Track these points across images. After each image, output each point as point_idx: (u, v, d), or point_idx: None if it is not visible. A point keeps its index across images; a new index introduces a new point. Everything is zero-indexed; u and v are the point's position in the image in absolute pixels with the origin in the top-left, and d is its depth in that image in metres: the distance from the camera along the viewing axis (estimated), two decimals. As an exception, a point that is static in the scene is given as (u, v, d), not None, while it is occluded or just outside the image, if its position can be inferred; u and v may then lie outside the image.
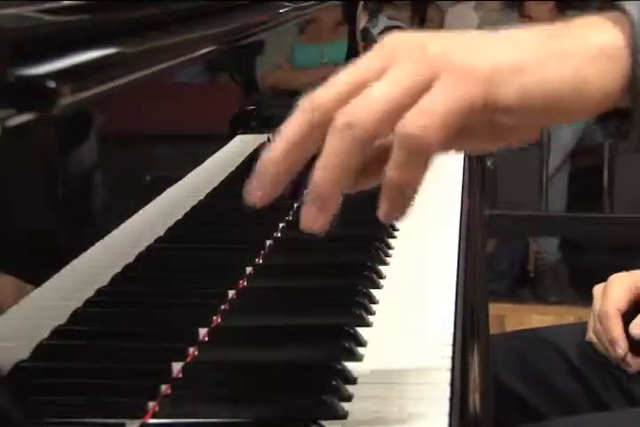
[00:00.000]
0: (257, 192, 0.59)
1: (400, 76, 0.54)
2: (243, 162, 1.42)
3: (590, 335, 1.15)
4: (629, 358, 1.08)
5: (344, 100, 0.54)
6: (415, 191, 0.55)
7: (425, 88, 0.53)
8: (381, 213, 0.57)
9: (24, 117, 0.59)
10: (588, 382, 1.16)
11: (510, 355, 1.19)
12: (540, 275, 3.43)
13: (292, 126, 0.56)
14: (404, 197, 0.55)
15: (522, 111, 0.55)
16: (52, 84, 0.62)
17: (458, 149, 0.59)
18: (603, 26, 0.57)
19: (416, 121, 0.52)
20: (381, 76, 0.54)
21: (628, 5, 0.57)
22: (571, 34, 0.57)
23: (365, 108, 0.53)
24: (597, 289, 1.15)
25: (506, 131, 0.57)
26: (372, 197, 1.10)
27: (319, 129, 0.55)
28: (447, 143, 0.54)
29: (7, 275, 0.80)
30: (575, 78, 0.55)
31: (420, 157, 0.53)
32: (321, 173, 0.56)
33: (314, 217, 0.59)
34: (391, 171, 0.54)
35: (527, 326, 2.62)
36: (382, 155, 0.55)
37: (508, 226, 3.22)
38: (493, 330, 1.44)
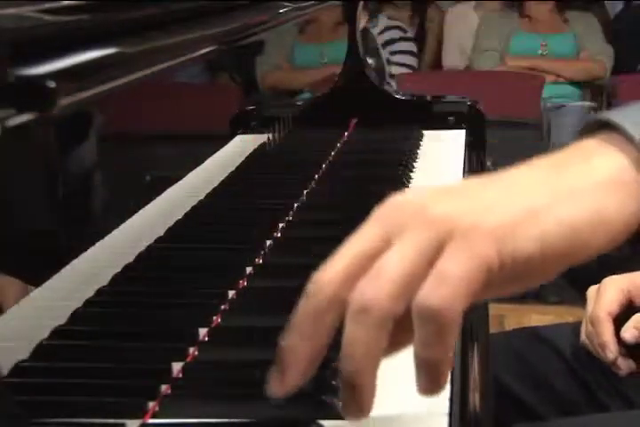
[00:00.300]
0: (283, 384, 0.54)
1: (407, 246, 0.50)
2: (243, 162, 1.42)
3: (583, 338, 1.15)
4: (620, 361, 1.08)
5: (351, 277, 0.51)
6: (450, 362, 0.51)
7: (435, 254, 0.50)
8: (420, 388, 0.52)
9: (24, 117, 0.59)
10: (586, 382, 1.16)
11: (510, 355, 1.19)
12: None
13: (301, 316, 0.53)
14: (439, 370, 0.50)
15: (543, 258, 0.52)
16: (51, 84, 0.62)
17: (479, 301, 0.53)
18: (603, 151, 0.55)
19: (435, 293, 0.49)
20: (386, 246, 0.51)
21: (623, 123, 0.55)
22: (573, 166, 0.54)
23: (378, 288, 0.50)
24: (591, 291, 1.15)
25: (528, 276, 0.53)
26: (373, 197, 1.10)
27: (330, 313, 0.52)
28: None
29: (7, 275, 0.80)
30: (591, 214, 0.53)
31: (446, 329, 0.49)
32: (348, 364, 0.52)
33: (355, 408, 0.53)
34: (420, 349, 0.50)
35: (527, 325, 2.62)
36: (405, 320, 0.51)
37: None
38: (493, 330, 1.44)
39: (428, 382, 0.51)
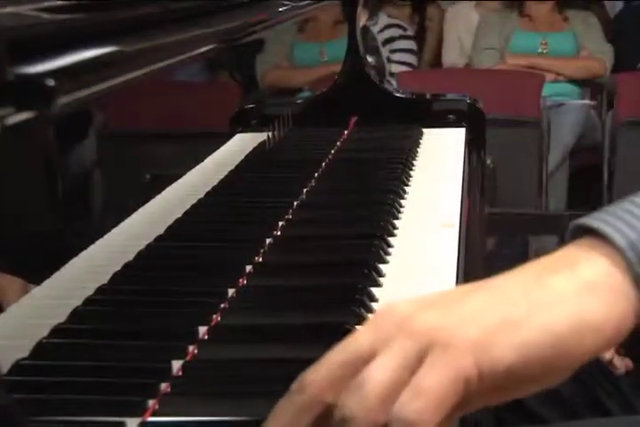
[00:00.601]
0: None
1: (389, 357, 0.51)
2: (242, 160, 1.42)
3: None
4: (616, 360, 1.08)
5: (336, 383, 0.52)
6: None
7: (417, 365, 0.51)
8: None
9: (23, 116, 0.59)
10: (587, 384, 1.16)
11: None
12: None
13: (281, 411, 0.53)
14: None
15: (526, 366, 0.51)
16: (51, 83, 0.62)
17: (463, 414, 0.53)
18: (589, 257, 0.55)
19: (409, 405, 0.49)
20: (373, 355, 0.52)
21: (607, 231, 0.55)
22: (558, 272, 0.54)
23: (360, 402, 0.50)
24: None
25: (514, 387, 0.52)
26: (373, 196, 1.10)
27: (309, 413, 0.52)
28: (449, 415, 0.50)
29: (8, 273, 0.80)
30: (574, 319, 0.52)
31: None
32: None
33: None
34: None
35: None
36: None
37: (508, 224, 3.22)
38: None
39: None
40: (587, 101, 3.74)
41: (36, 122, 0.63)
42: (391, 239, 1.01)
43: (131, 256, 0.96)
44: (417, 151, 1.46)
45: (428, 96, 1.72)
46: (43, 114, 0.61)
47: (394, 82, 3.42)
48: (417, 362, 0.51)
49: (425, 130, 1.61)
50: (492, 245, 3.34)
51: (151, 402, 0.63)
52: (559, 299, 0.53)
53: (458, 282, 0.88)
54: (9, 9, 0.67)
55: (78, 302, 0.82)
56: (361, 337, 0.54)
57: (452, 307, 0.53)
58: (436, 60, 4.27)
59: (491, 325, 0.52)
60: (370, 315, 0.79)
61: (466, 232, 1.04)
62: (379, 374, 0.51)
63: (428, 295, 0.56)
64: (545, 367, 0.51)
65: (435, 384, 0.49)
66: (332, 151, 1.45)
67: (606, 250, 0.55)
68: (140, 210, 1.11)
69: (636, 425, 1.02)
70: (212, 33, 1.11)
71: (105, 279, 0.89)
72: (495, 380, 0.51)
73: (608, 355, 1.07)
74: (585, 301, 0.53)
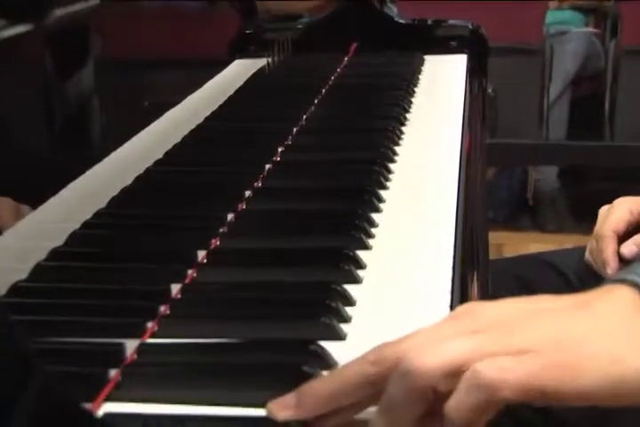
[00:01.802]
0: (289, 409, 0.52)
1: (483, 342, 0.50)
2: (242, 86, 1.41)
3: (587, 256, 1.15)
4: None
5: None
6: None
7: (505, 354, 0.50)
8: None
9: (18, 29, 0.58)
10: None
11: (511, 279, 1.19)
12: (539, 203, 3.43)
13: (350, 373, 0.52)
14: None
15: (604, 401, 0.51)
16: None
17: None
18: None
19: (493, 365, 0.49)
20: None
21: None
22: None
23: (435, 357, 0.49)
24: (603, 210, 1.15)
25: None
26: (373, 122, 1.09)
27: (376, 384, 0.51)
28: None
29: (6, 196, 0.79)
30: None
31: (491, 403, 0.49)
32: (381, 422, 0.51)
33: None
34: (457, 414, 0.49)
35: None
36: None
37: (508, 154, 3.20)
38: (492, 257, 1.44)
39: None
40: (590, 29, 3.70)
41: (33, 38, 0.62)
42: (391, 165, 1.00)
43: (129, 181, 0.95)
44: (418, 78, 1.44)
45: (429, 22, 1.69)
46: (38, 26, 0.60)
47: (395, 8, 3.38)
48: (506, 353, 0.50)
49: (426, 57, 1.59)
50: (491, 175, 3.33)
51: (150, 324, 0.63)
52: None
53: (458, 210, 0.87)
54: None
55: (76, 225, 0.82)
56: (443, 326, 0.53)
57: (566, 325, 0.53)
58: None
59: (597, 356, 0.51)
60: (370, 240, 0.78)
61: (466, 161, 1.04)
62: (464, 347, 0.50)
63: (515, 301, 0.56)
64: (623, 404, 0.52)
65: (522, 373, 0.49)
66: (332, 77, 1.44)
67: None
68: (139, 135, 1.10)
69: None
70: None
71: (103, 203, 0.88)
72: (563, 400, 0.50)
73: (610, 272, 1.07)
74: None
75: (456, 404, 0.48)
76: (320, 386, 0.52)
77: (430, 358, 0.49)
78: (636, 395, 0.51)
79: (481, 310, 0.54)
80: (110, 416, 0.53)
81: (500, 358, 0.49)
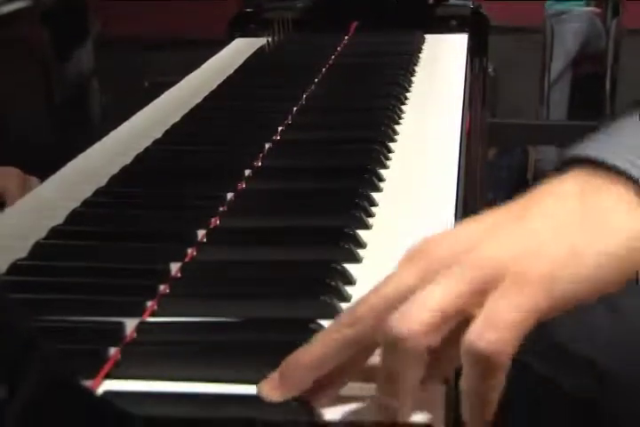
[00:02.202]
0: (276, 388, 0.52)
1: (448, 283, 0.50)
2: (241, 65, 1.40)
3: None
4: None
5: (388, 312, 0.50)
6: (497, 395, 0.50)
7: (477, 297, 0.49)
8: (466, 417, 0.50)
9: (16, 5, 0.58)
10: None
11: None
12: (539, 183, 3.43)
13: (328, 338, 0.52)
14: (486, 403, 0.50)
15: (593, 294, 0.52)
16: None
17: None
18: (611, 188, 0.54)
19: (485, 336, 0.48)
20: (424, 285, 0.50)
21: (616, 162, 0.54)
22: (600, 190, 0.54)
23: (415, 319, 0.49)
24: None
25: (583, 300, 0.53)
26: (373, 101, 1.09)
27: (357, 344, 0.51)
28: None
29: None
30: (630, 237, 0.52)
31: (494, 370, 0.49)
32: (385, 393, 0.51)
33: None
34: (467, 384, 0.49)
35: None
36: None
37: (508, 134, 3.20)
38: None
39: (475, 413, 0.50)
40: (591, 9, 3.68)
41: (31, 15, 0.62)
42: (392, 145, 1.00)
43: (129, 159, 0.95)
44: (419, 57, 1.44)
45: (430, 1, 1.68)
46: (37, 5, 0.60)
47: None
48: (479, 294, 0.49)
49: (427, 36, 1.58)
50: (491, 155, 3.33)
51: (150, 303, 0.63)
52: (610, 220, 0.53)
53: (458, 191, 0.87)
54: None
55: (76, 204, 0.82)
56: (404, 273, 0.52)
57: (513, 238, 0.52)
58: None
59: (560, 256, 0.51)
60: (370, 219, 0.78)
61: (467, 141, 1.03)
62: (435, 294, 0.50)
63: (465, 227, 0.55)
64: (611, 288, 0.52)
65: (512, 317, 0.48)
66: (332, 56, 1.43)
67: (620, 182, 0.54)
68: (139, 114, 1.10)
69: None
70: None
71: (103, 182, 0.88)
72: (566, 306, 0.51)
73: None
74: (632, 217, 0.53)
75: (469, 386, 0.49)
76: (302, 356, 0.52)
77: (414, 322, 0.49)
78: (624, 271, 0.52)
79: (434, 246, 0.53)
80: (110, 394, 0.53)
81: (482, 322, 0.49)
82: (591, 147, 0.57)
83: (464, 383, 0.49)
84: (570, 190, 0.55)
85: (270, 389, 0.52)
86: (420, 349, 0.49)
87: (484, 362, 0.48)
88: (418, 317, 0.49)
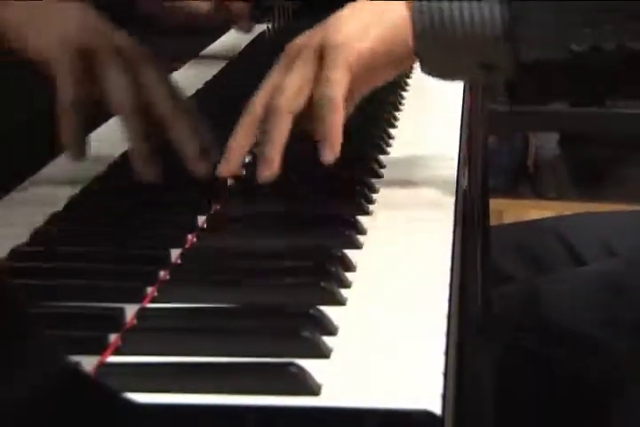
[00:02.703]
0: (224, 168, 0.81)
1: (299, 66, 0.81)
2: (241, 51, 1.40)
3: None
4: None
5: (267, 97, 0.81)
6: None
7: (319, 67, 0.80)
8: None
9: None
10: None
11: (511, 244, 1.19)
12: (540, 170, 3.43)
13: (245, 122, 0.82)
14: (334, 126, 0.80)
15: (376, 54, 0.80)
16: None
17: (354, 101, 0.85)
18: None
19: (327, 87, 0.79)
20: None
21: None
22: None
23: (283, 94, 0.80)
24: None
25: (379, 71, 0.83)
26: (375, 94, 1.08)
27: (258, 122, 0.81)
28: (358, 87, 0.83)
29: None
30: (397, 30, 0.80)
31: (334, 105, 0.79)
32: (267, 145, 0.80)
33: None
34: (320, 118, 0.80)
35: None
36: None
37: (509, 121, 3.20)
38: (492, 224, 1.44)
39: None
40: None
41: None
42: (392, 131, 1.00)
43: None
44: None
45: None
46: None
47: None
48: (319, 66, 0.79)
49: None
50: (492, 141, 3.33)
51: (150, 289, 0.63)
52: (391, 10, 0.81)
53: (459, 175, 0.87)
54: None
55: (76, 190, 0.82)
56: (276, 67, 0.83)
57: (336, 20, 0.82)
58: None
59: (354, 29, 0.80)
60: (370, 205, 0.78)
61: (468, 128, 1.03)
62: (293, 76, 0.80)
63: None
64: (388, 57, 0.81)
65: (337, 73, 0.78)
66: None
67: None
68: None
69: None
70: None
71: (103, 167, 0.88)
72: (365, 64, 0.79)
73: None
74: (400, 25, 0.80)
75: (317, 120, 0.80)
76: (232, 140, 0.81)
77: (283, 98, 0.80)
78: (392, 47, 0.80)
79: (291, 44, 0.84)
80: (109, 378, 0.53)
81: (321, 82, 0.79)
82: None
83: (320, 118, 0.79)
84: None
85: (221, 171, 0.80)
86: (289, 110, 0.79)
87: (329, 102, 0.78)
88: (285, 93, 0.79)
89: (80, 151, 0.82)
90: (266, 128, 0.79)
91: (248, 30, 1.35)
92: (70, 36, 0.79)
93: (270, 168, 0.78)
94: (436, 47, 0.79)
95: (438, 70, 0.82)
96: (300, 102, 0.79)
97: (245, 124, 0.81)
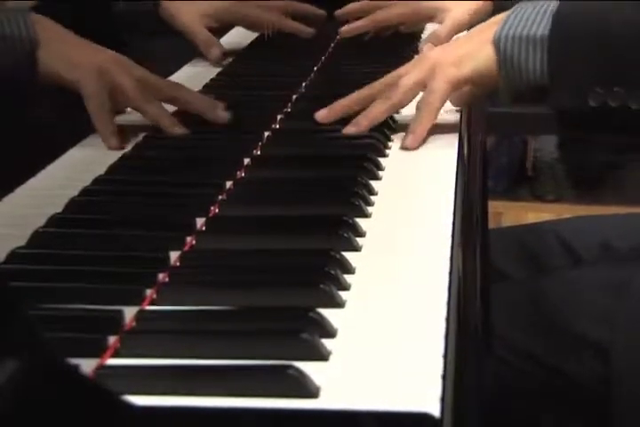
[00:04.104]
0: (327, 111, 1.01)
1: (413, 74, 0.99)
2: (241, 53, 1.40)
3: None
4: None
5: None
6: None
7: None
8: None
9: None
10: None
11: (510, 246, 1.19)
12: (538, 173, 3.43)
13: (360, 93, 1.01)
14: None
15: (475, 78, 0.99)
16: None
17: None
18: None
19: (427, 98, 0.98)
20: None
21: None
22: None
23: (394, 90, 0.99)
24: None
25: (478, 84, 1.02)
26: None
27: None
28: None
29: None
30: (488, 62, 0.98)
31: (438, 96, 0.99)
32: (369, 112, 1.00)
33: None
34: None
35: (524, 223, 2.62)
36: None
37: (508, 123, 3.20)
38: (490, 226, 1.44)
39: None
40: None
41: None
42: (390, 134, 0.99)
43: (128, 147, 0.95)
44: (421, 38, 1.43)
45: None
46: None
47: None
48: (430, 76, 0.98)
49: (428, 24, 1.58)
50: (490, 144, 3.33)
51: (149, 291, 0.63)
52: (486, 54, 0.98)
53: (457, 179, 0.87)
54: None
55: (75, 192, 0.82)
56: (401, 67, 1.02)
57: (445, 47, 1.03)
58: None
59: (460, 58, 0.97)
60: (369, 207, 0.78)
61: (467, 130, 1.03)
62: (410, 78, 0.98)
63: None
64: (479, 84, 1.01)
65: (441, 87, 0.97)
66: (333, 43, 1.43)
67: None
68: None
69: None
70: None
71: (102, 170, 0.88)
72: (461, 86, 1.00)
73: None
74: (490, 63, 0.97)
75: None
76: (344, 99, 1.01)
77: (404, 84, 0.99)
78: (490, 72, 0.97)
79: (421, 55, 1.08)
80: (108, 380, 0.53)
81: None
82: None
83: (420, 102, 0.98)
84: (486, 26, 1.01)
85: (320, 115, 1.01)
86: (393, 102, 0.99)
87: (427, 105, 0.97)
88: (398, 89, 0.99)
89: (115, 140, 0.95)
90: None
91: (217, 60, 1.33)
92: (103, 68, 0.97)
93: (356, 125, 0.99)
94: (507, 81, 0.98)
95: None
96: (404, 100, 0.99)
97: (360, 94, 1.00)
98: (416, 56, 1.08)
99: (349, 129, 0.98)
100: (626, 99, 0.90)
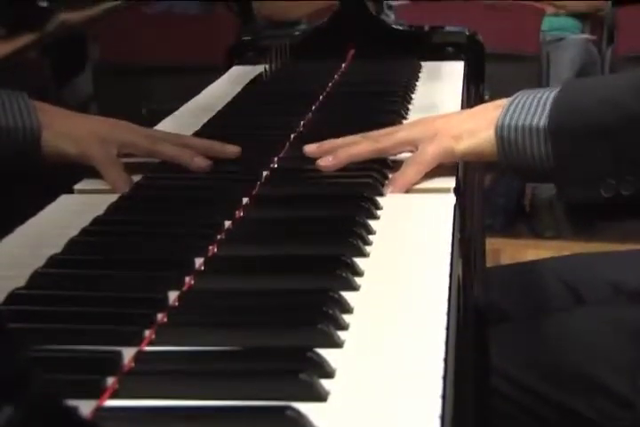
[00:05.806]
0: (318, 147, 1.02)
1: (409, 131, 1.02)
2: (239, 93, 1.41)
3: None
4: None
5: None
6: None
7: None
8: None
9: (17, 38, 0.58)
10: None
11: (509, 285, 1.19)
12: (536, 210, 3.43)
13: (353, 137, 1.02)
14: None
15: (464, 156, 0.99)
16: (44, 4, 0.61)
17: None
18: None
19: (417, 157, 0.98)
20: None
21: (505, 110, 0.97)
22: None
23: (386, 140, 1.01)
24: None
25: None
26: (370, 129, 1.09)
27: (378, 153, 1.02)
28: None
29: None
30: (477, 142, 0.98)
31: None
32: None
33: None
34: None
35: (522, 260, 2.62)
36: None
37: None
38: (489, 264, 1.44)
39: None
40: (587, 36, 3.70)
41: (32, 47, 0.62)
42: (388, 172, 1.00)
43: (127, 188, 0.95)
44: (415, 84, 1.44)
45: (426, 28, 1.69)
46: (35, 33, 0.60)
47: (392, 15, 3.39)
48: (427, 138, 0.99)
49: (423, 63, 1.59)
50: (488, 180, 3.34)
51: (147, 332, 0.63)
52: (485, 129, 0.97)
53: (455, 217, 0.87)
54: None
55: (75, 232, 0.82)
56: (406, 123, 1.14)
57: (450, 119, 1.02)
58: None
59: (460, 131, 0.98)
60: (367, 247, 0.79)
61: (464, 168, 1.03)
62: (405, 134, 1.01)
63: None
64: (474, 157, 1.00)
65: (434, 153, 0.97)
66: (330, 84, 1.44)
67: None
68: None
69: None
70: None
71: (101, 210, 0.88)
72: (453, 159, 0.99)
73: None
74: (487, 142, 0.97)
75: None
76: (338, 139, 1.02)
77: (383, 143, 1.01)
78: (489, 153, 0.97)
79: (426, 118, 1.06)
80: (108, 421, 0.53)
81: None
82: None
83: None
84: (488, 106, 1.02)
85: (309, 149, 1.02)
86: (380, 149, 1.01)
87: (414, 163, 0.97)
88: (390, 140, 1.01)
89: (128, 186, 0.96)
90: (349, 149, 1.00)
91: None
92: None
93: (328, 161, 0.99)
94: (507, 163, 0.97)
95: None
96: (390, 149, 1.01)
97: (353, 138, 1.01)
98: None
99: (325, 160, 0.98)
100: (639, 186, 0.91)
